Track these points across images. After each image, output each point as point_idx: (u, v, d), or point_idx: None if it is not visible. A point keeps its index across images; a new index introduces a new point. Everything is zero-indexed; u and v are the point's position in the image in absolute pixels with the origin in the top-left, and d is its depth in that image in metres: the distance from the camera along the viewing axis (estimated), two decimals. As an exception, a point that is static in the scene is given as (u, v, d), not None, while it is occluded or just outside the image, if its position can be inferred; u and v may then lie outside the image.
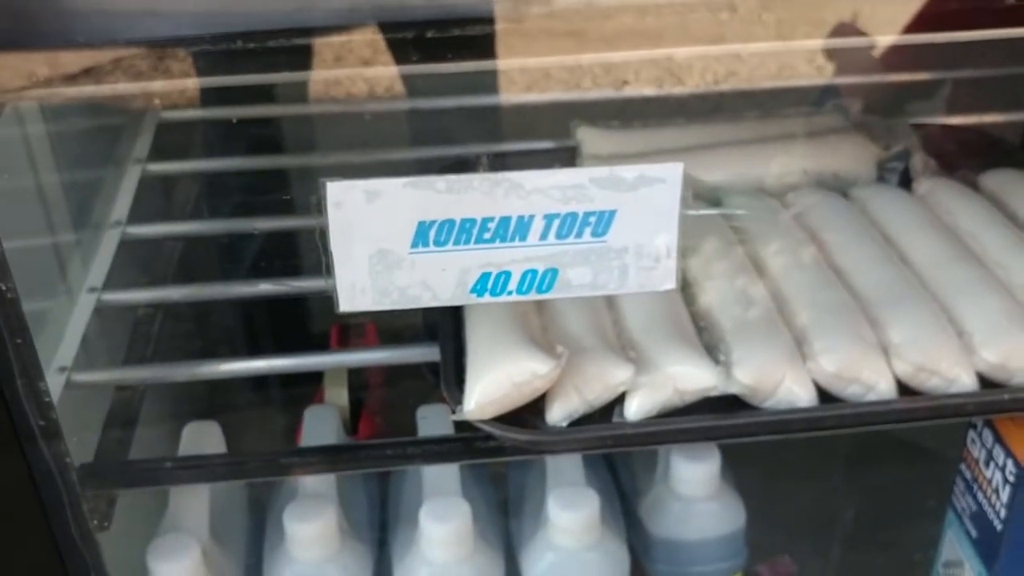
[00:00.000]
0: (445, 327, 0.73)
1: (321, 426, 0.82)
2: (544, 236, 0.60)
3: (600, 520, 0.74)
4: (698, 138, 0.94)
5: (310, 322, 1.19)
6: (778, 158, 0.91)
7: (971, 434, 0.82)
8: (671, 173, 0.59)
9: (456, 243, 0.60)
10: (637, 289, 0.63)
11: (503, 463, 0.85)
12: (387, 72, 1.03)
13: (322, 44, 0.90)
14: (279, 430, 1.05)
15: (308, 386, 1.01)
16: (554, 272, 0.61)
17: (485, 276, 0.61)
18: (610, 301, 0.76)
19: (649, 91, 1.29)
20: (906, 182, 0.90)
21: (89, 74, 0.72)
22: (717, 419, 0.68)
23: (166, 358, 0.84)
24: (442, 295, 0.61)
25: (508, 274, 0.61)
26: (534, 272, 0.61)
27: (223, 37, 0.66)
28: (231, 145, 1.10)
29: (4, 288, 0.57)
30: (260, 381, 1.06)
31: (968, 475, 0.83)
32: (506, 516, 0.82)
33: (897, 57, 1.14)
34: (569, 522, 0.74)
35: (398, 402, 1.05)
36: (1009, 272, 0.77)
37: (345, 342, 1.08)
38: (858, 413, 0.69)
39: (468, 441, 0.71)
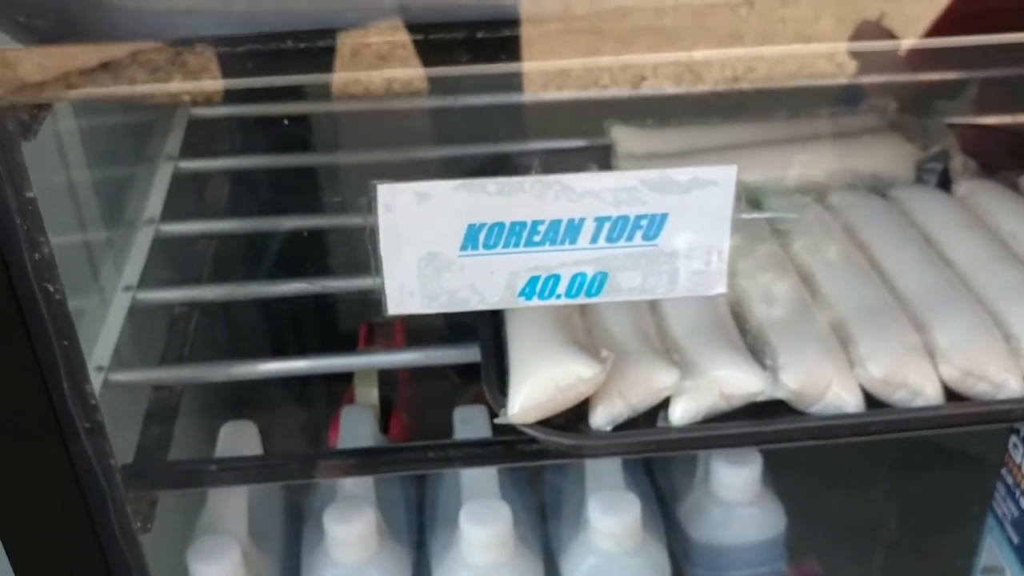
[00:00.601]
0: (484, 328, 0.72)
1: (357, 427, 0.82)
2: (594, 239, 0.59)
3: (641, 525, 0.74)
4: (734, 137, 0.93)
5: (338, 320, 1.19)
6: (816, 158, 0.90)
7: (1013, 439, 0.82)
8: (724, 175, 0.59)
9: (506, 246, 0.59)
10: (686, 293, 0.62)
11: (541, 466, 0.85)
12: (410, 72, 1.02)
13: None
14: (310, 429, 1.05)
15: (339, 384, 1.01)
16: (604, 275, 0.61)
17: (534, 279, 0.60)
18: (653, 304, 0.75)
19: (669, 87, 1.28)
20: (944, 183, 0.89)
21: (106, 68, 0.71)
22: (762, 424, 0.68)
23: (201, 356, 0.84)
24: (491, 298, 0.61)
25: (557, 277, 0.60)
26: (583, 276, 0.61)
27: (257, 38, 0.65)
28: (261, 141, 1.10)
29: (52, 289, 0.56)
30: (290, 379, 1.05)
31: (1010, 480, 0.83)
32: (544, 519, 0.82)
33: (925, 56, 1.14)
34: (610, 526, 0.73)
35: (426, 401, 1.05)
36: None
37: (373, 340, 1.08)
38: (905, 419, 0.69)
39: (510, 444, 0.70)
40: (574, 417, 0.67)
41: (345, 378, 1.00)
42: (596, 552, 0.74)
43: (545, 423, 0.67)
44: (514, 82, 1.10)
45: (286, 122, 1.09)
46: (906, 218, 0.84)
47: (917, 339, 0.71)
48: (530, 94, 1.12)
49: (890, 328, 0.71)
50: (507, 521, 0.72)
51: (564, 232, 0.59)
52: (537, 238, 0.59)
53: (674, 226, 0.60)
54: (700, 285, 0.62)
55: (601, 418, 0.67)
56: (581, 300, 0.62)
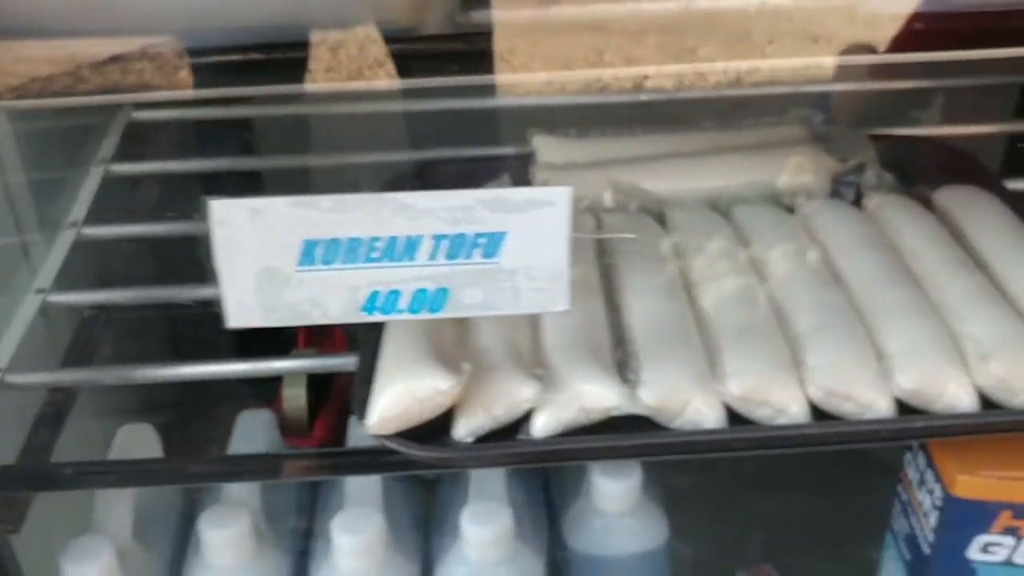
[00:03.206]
0: (365, 338, 0.73)
1: (253, 432, 0.83)
2: (433, 256, 0.60)
3: (513, 535, 0.74)
4: (654, 148, 0.93)
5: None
6: (730, 170, 0.90)
7: (907, 456, 0.81)
8: (560, 196, 0.59)
9: (344, 262, 0.60)
10: (530, 310, 0.62)
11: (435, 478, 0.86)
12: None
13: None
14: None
15: (271, 385, 1.02)
16: (445, 292, 0.61)
17: (375, 295, 0.61)
18: (533, 317, 0.75)
19: (669, 86, 1.27)
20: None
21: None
22: (620, 439, 0.68)
23: (115, 360, 0.85)
24: (332, 312, 0.61)
25: (398, 293, 0.61)
26: (424, 292, 0.61)
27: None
28: (204, 146, 1.11)
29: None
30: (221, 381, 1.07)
31: (904, 497, 0.82)
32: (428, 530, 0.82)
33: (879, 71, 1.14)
34: (481, 537, 0.74)
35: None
36: (942, 293, 0.76)
37: (312, 343, 1.09)
38: (765, 436, 0.69)
39: (377, 454, 0.71)
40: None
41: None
42: (468, 563, 0.75)
43: (413, 433, 0.68)
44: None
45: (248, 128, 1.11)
46: (807, 232, 0.83)
47: (787, 357, 0.71)
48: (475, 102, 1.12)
49: (760, 346, 0.71)
50: (378, 530, 0.73)
51: (402, 249, 0.60)
52: (375, 254, 0.60)
53: (513, 245, 0.60)
54: (543, 302, 0.62)
55: (463, 430, 0.68)
56: (424, 315, 0.62)
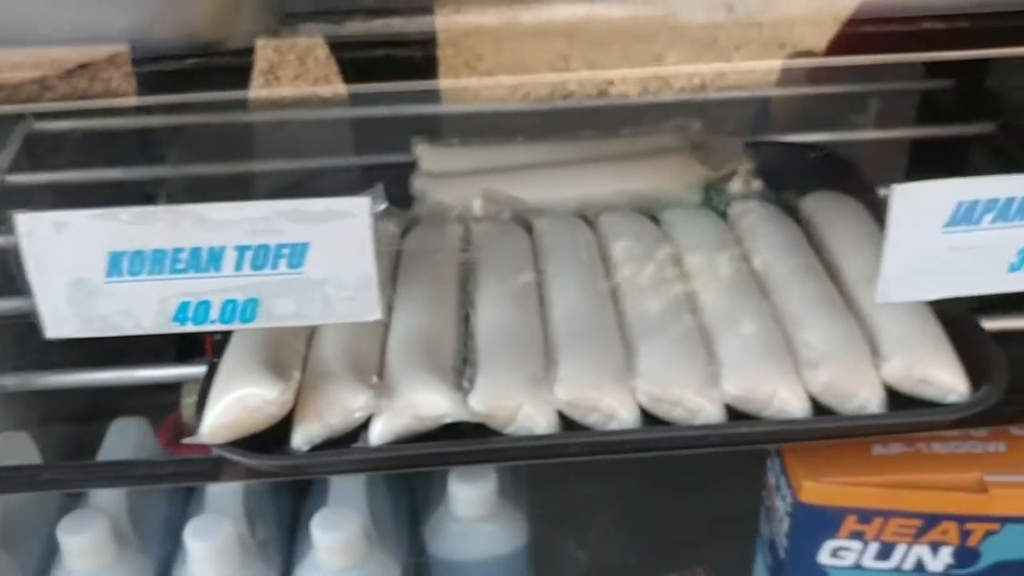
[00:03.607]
0: (218, 347, 0.74)
1: (125, 439, 0.84)
2: (239, 267, 0.61)
3: (364, 540, 0.75)
4: (533, 157, 0.94)
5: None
6: (600, 179, 0.91)
7: (768, 462, 0.82)
8: (359, 207, 0.60)
9: (151, 273, 0.61)
10: (343, 319, 0.63)
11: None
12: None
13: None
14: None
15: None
16: (255, 302, 0.62)
17: (185, 305, 0.62)
18: (379, 324, 0.76)
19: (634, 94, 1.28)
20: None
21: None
22: (448, 445, 0.69)
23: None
24: (144, 323, 0.62)
25: (208, 303, 0.62)
26: (234, 302, 0.62)
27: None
28: (108, 155, 1.12)
29: None
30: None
31: (767, 503, 0.83)
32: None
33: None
34: (330, 542, 0.75)
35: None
36: (786, 300, 0.76)
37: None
38: (594, 442, 0.70)
39: (220, 462, 0.72)
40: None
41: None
42: (320, 568, 0.76)
43: (253, 442, 0.69)
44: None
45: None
46: (668, 240, 0.84)
47: (621, 363, 0.72)
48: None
49: (594, 352, 0.72)
50: (228, 535, 0.74)
51: (206, 260, 0.61)
52: (180, 266, 0.61)
53: (317, 255, 0.61)
54: (354, 312, 0.63)
55: (300, 438, 0.69)
56: (237, 325, 0.63)
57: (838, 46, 0.87)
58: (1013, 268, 0.64)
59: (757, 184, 0.89)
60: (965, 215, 0.62)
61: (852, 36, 0.78)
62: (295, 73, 0.96)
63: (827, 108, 1.18)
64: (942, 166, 1.08)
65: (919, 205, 0.61)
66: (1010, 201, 0.62)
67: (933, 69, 1.11)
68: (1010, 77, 1.05)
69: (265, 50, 0.73)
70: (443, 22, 0.70)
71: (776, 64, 0.97)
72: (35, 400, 0.92)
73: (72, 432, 0.98)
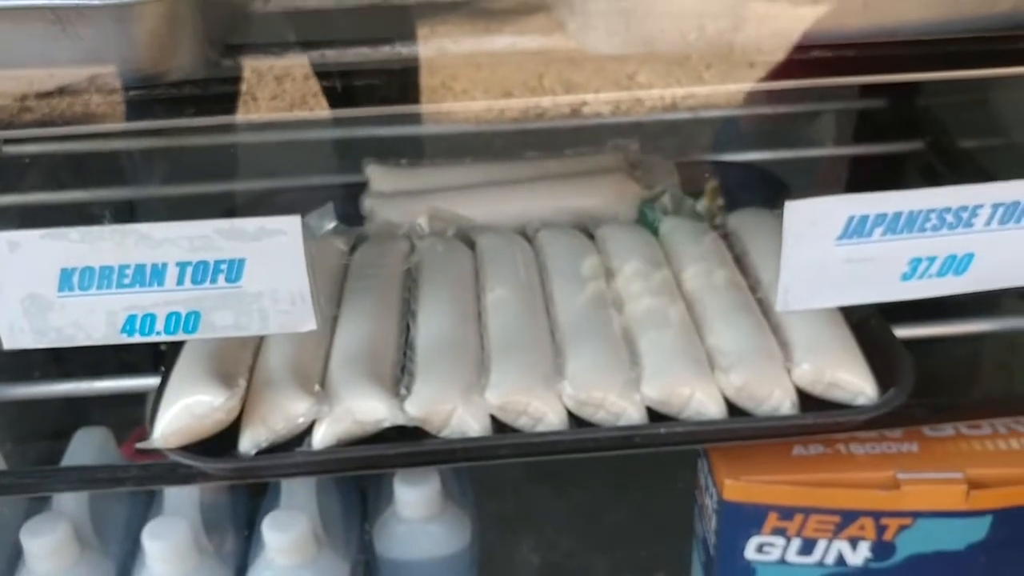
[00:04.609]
0: (170, 355, 0.79)
1: (86, 447, 0.89)
2: (180, 282, 0.66)
3: (313, 541, 0.80)
4: (478, 176, 0.99)
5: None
6: (539, 197, 0.95)
7: (700, 462, 0.86)
8: (290, 225, 0.65)
9: (100, 288, 0.65)
10: (280, 330, 0.68)
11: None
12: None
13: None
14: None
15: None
16: (197, 315, 0.67)
17: (132, 318, 0.67)
18: (327, 332, 0.81)
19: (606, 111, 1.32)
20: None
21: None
22: (383, 448, 0.73)
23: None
24: (95, 335, 0.67)
25: (154, 316, 0.67)
26: (178, 315, 0.67)
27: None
28: (76, 178, 1.16)
29: None
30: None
31: (699, 501, 0.87)
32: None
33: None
34: (279, 542, 0.79)
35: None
36: (704, 309, 0.81)
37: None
38: (522, 443, 0.74)
39: (175, 467, 0.76)
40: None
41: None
42: (272, 567, 0.80)
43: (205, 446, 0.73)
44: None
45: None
46: (600, 254, 0.89)
47: (550, 369, 0.76)
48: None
49: (524, 358, 0.77)
50: (184, 536, 0.78)
51: (150, 275, 0.65)
52: (126, 280, 0.65)
53: (253, 270, 0.66)
54: (290, 323, 0.68)
55: (247, 443, 0.73)
56: (181, 336, 0.68)
57: (783, 70, 0.92)
58: (905, 277, 0.69)
59: (689, 201, 0.94)
60: (857, 228, 0.66)
61: (793, 61, 0.83)
62: (272, 94, 1.01)
63: (781, 127, 1.23)
64: (882, 181, 1.13)
65: (812, 220, 0.66)
66: (898, 215, 0.67)
67: (868, 90, 1.15)
68: (938, 96, 1.10)
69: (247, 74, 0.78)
70: (380, 53, 0.74)
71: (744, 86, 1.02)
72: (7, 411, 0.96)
73: (48, 445, 1.02)
